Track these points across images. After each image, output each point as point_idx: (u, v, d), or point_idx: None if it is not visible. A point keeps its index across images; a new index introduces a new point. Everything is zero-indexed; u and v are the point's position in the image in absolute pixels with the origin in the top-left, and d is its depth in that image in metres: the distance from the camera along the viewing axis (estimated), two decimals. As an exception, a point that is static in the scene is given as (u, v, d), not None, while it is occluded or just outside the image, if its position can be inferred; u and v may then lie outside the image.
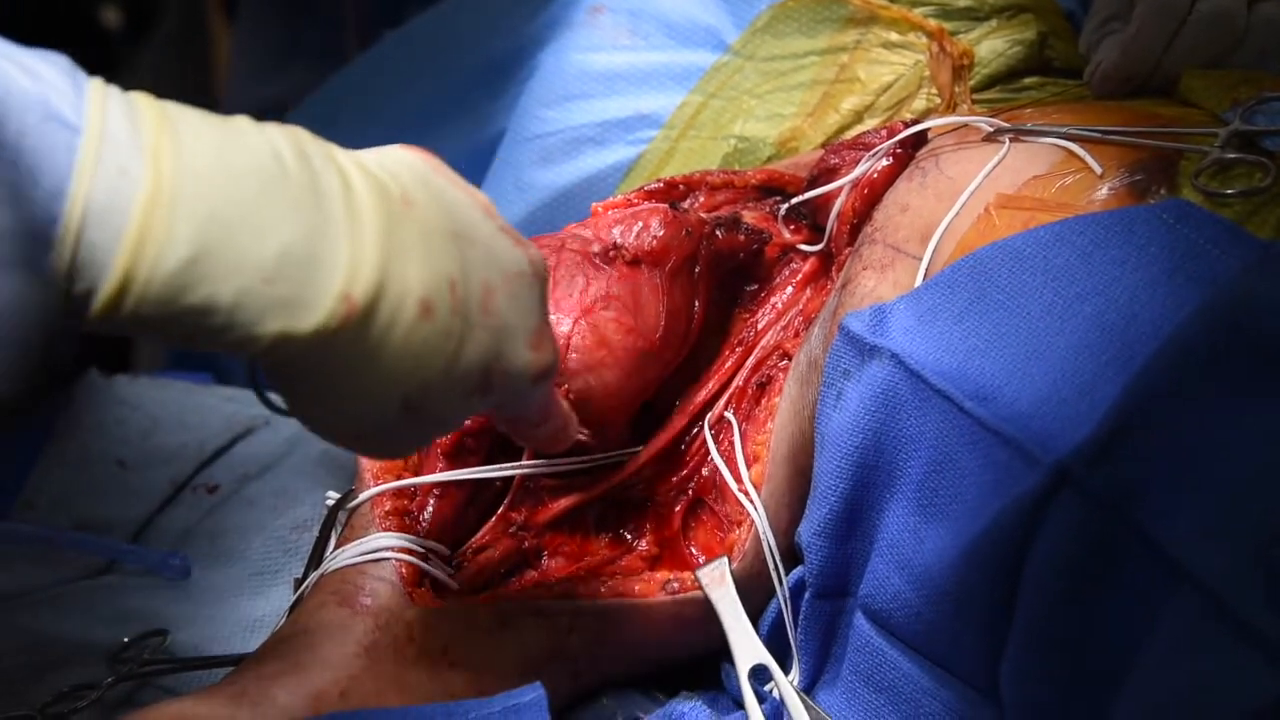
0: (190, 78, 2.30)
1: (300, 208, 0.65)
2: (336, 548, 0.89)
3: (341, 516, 0.92)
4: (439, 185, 0.73)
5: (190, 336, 0.64)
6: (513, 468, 0.93)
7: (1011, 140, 0.93)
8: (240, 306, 0.64)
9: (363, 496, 0.90)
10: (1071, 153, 0.90)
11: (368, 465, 0.92)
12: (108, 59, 2.17)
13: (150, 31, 2.41)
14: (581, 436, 0.88)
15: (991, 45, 1.12)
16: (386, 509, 0.90)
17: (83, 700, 0.95)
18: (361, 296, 0.66)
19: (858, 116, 1.16)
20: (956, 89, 1.11)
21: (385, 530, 0.88)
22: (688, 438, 0.99)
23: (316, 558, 0.90)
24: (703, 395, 0.99)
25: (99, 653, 1.00)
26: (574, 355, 0.91)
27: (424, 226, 0.70)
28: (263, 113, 2.05)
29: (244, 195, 0.64)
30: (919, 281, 0.89)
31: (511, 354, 0.74)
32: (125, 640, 1.00)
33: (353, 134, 1.55)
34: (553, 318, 0.92)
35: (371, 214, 0.68)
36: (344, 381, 0.68)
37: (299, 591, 0.90)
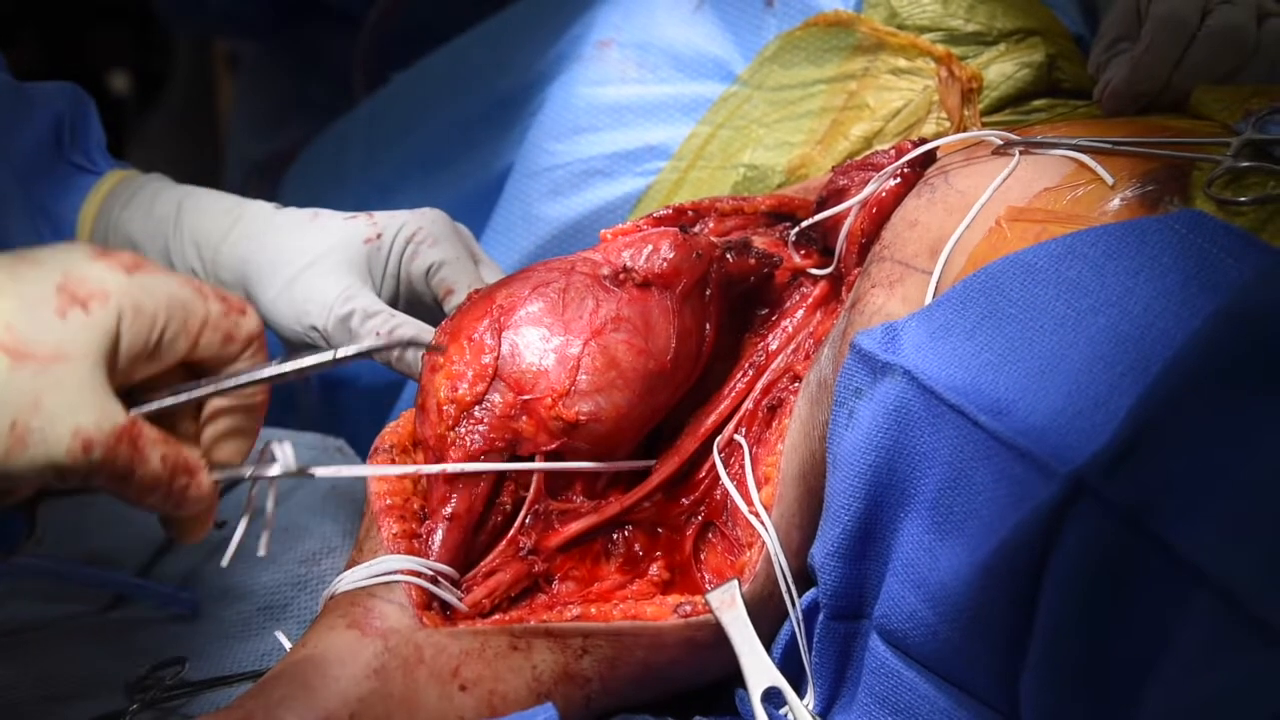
0: (198, 137, 2.32)
1: None
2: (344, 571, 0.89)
3: None
4: None
5: None
6: (522, 467, 0.91)
7: (1021, 153, 0.92)
8: None
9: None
10: (1082, 164, 0.89)
11: (376, 489, 0.91)
12: (117, 124, 2.19)
13: (159, 95, 2.42)
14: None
15: (1000, 69, 1.12)
16: (395, 531, 0.89)
17: (108, 729, 0.94)
18: None
19: (867, 143, 1.16)
20: (966, 112, 1.11)
21: (394, 553, 0.87)
22: (698, 461, 0.98)
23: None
24: (713, 419, 0.99)
25: (116, 684, 0.99)
26: (584, 377, 0.91)
27: None
28: (265, 166, 2.04)
29: None
30: (929, 296, 0.88)
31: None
32: (144, 670, 0.99)
33: (361, 174, 1.55)
34: (562, 339, 0.91)
35: None
36: None
37: None
